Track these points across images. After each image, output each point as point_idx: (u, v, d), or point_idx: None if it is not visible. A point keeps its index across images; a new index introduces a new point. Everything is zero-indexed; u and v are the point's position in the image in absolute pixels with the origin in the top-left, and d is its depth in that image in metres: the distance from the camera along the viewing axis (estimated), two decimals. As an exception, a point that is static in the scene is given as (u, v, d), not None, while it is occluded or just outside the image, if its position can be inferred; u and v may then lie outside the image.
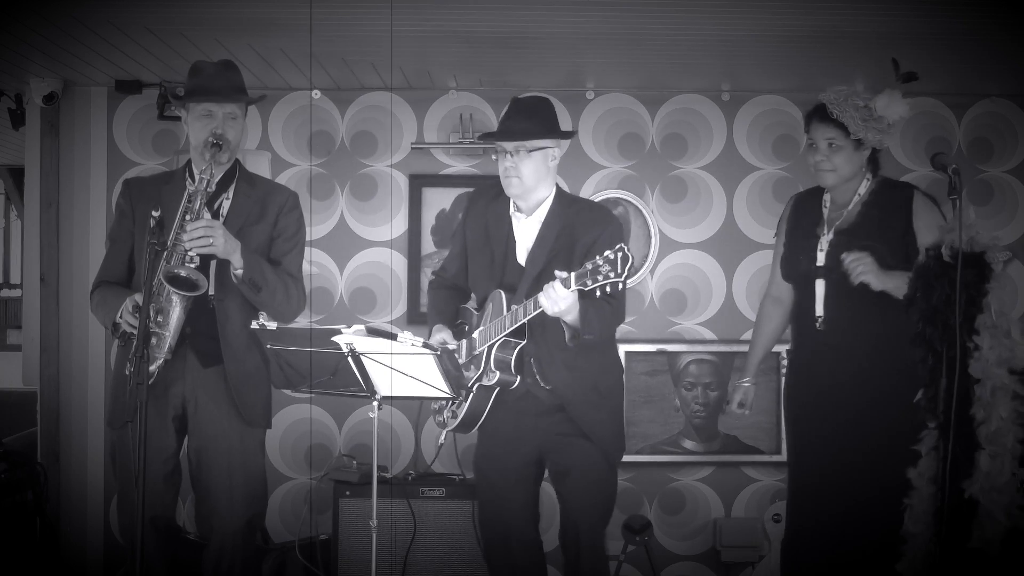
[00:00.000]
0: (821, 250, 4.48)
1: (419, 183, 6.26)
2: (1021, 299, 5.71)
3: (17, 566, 5.66)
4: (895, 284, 4.23)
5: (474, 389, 4.41)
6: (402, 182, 6.27)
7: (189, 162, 4.53)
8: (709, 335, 6.26)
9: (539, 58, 5.62)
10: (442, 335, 4.52)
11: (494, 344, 4.35)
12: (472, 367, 4.44)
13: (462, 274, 4.65)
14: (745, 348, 6.12)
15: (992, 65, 5.66)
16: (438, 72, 5.96)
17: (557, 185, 4.50)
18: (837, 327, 4.43)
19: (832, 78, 5.91)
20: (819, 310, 4.46)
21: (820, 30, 5.03)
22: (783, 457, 6.05)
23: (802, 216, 4.62)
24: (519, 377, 4.37)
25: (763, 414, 6.18)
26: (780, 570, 4.76)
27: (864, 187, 4.50)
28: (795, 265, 4.57)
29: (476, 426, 4.48)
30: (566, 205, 4.46)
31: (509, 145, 4.37)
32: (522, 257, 4.44)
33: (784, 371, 4.76)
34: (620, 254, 3.97)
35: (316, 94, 6.20)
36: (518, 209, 4.47)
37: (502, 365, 4.36)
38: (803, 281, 4.54)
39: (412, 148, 6.23)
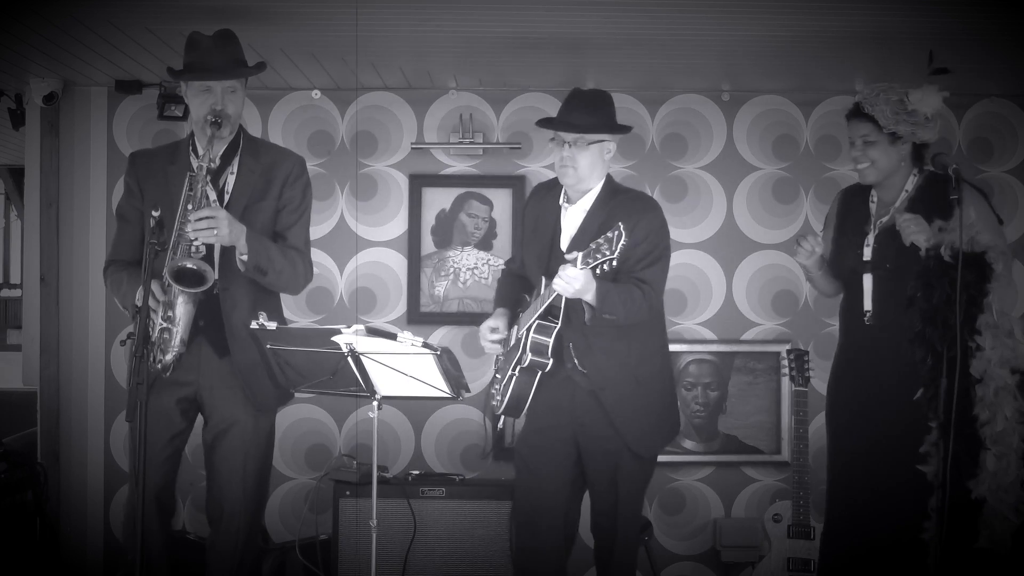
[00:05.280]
0: (868, 245, 4.50)
1: (419, 183, 6.26)
2: (1022, 299, 5.72)
3: (17, 566, 5.66)
4: None
5: (516, 372, 4.45)
6: (402, 182, 6.27)
7: (192, 135, 4.44)
8: (709, 335, 6.26)
9: (539, 58, 5.62)
10: (495, 320, 4.58)
11: (531, 327, 4.40)
12: (516, 351, 4.49)
13: (523, 263, 4.72)
14: (745, 348, 6.18)
15: (992, 65, 5.66)
16: (438, 72, 5.96)
17: (608, 175, 4.54)
18: (884, 321, 4.45)
19: (832, 78, 5.96)
20: (867, 304, 4.49)
21: (820, 30, 5.03)
22: (783, 457, 6.10)
23: (849, 213, 4.64)
24: (551, 360, 4.40)
25: (763, 414, 6.18)
26: (819, 560, 4.79)
27: (911, 183, 4.51)
28: (843, 261, 4.59)
29: (523, 409, 4.51)
30: (612, 195, 4.51)
31: (568, 136, 4.42)
32: (565, 245, 4.49)
33: (832, 364, 4.74)
34: (616, 233, 4.04)
35: (316, 94, 6.20)
36: (567, 199, 4.53)
37: (536, 348, 4.39)
38: (851, 277, 4.56)
39: (412, 148, 6.23)
